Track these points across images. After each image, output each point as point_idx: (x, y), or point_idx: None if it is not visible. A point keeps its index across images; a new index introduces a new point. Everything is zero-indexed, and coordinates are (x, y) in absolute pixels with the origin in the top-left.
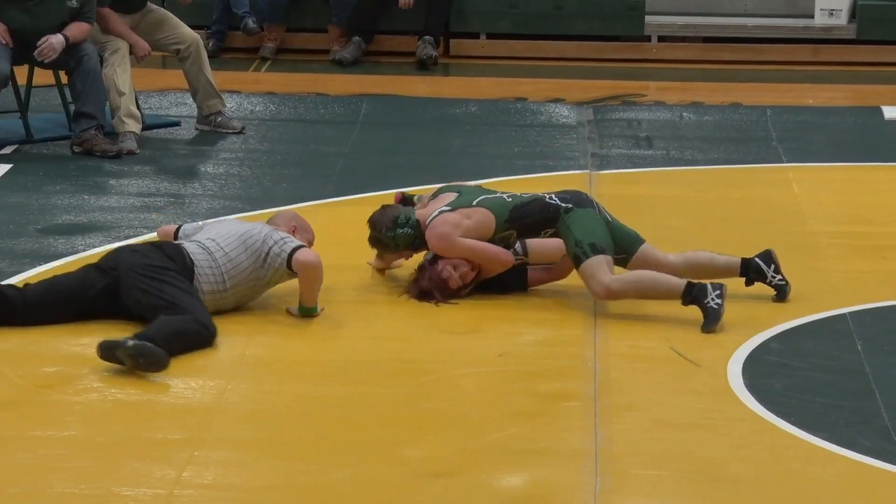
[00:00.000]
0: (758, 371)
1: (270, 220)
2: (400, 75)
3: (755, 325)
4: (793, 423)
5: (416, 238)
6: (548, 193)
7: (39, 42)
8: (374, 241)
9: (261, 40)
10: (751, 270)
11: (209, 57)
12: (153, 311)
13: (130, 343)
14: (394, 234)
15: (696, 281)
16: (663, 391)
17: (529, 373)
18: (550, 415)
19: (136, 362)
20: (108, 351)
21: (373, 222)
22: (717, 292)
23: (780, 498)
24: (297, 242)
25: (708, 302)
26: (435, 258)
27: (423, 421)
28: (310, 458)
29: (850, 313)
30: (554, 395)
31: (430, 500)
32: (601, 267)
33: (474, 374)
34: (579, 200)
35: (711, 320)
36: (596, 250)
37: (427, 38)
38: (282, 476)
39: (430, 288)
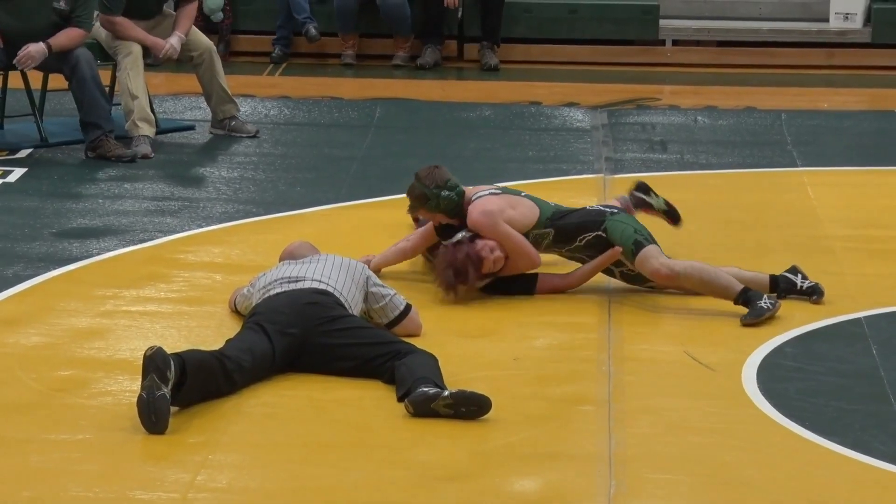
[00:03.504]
0: (772, 375)
1: (292, 253)
2: (415, 79)
3: (770, 329)
4: (807, 428)
5: (458, 206)
6: (587, 206)
7: (20, 51)
8: (418, 194)
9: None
10: (780, 283)
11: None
12: (373, 360)
13: (447, 393)
14: (440, 193)
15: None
16: (677, 395)
17: (543, 376)
18: (564, 418)
19: (456, 411)
20: (422, 405)
21: (421, 176)
22: (772, 301)
23: (794, 502)
24: (405, 299)
25: (760, 302)
26: (473, 237)
27: (436, 425)
28: (323, 461)
29: (864, 317)
30: (568, 399)
31: (442, 503)
32: (660, 253)
33: (488, 378)
34: (624, 210)
35: (755, 314)
36: (652, 240)
37: (485, 43)
38: (295, 479)
39: (465, 263)
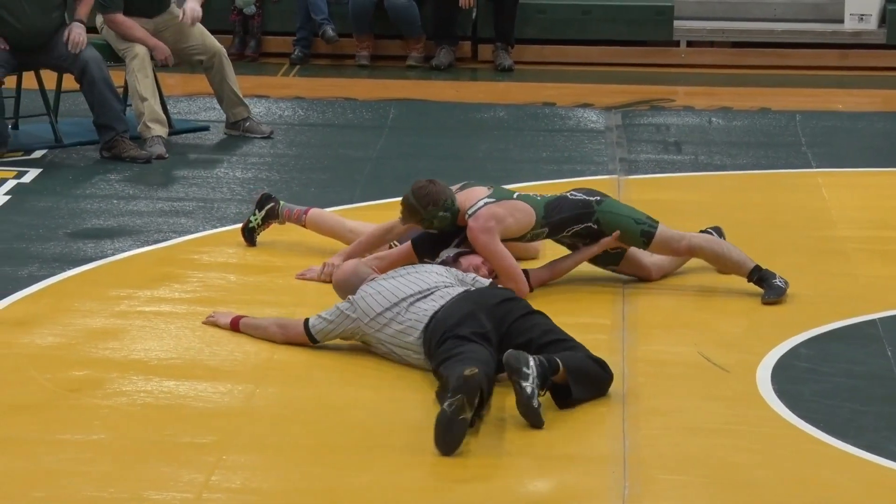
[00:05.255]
0: (786, 377)
1: (360, 277)
2: (429, 80)
3: (784, 330)
4: (821, 429)
5: (452, 224)
6: (567, 192)
7: (68, 41)
8: (411, 209)
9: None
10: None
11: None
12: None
13: (525, 384)
14: (434, 214)
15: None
16: (691, 397)
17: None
18: (578, 419)
19: (517, 404)
20: (510, 369)
21: (418, 195)
22: (784, 280)
23: None
24: (486, 280)
25: (775, 281)
26: (457, 256)
27: None
28: (337, 462)
29: (879, 319)
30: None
31: None
32: (669, 230)
33: (503, 379)
34: (601, 193)
35: (775, 293)
36: (653, 221)
37: (499, 44)
38: (309, 480)
39: None
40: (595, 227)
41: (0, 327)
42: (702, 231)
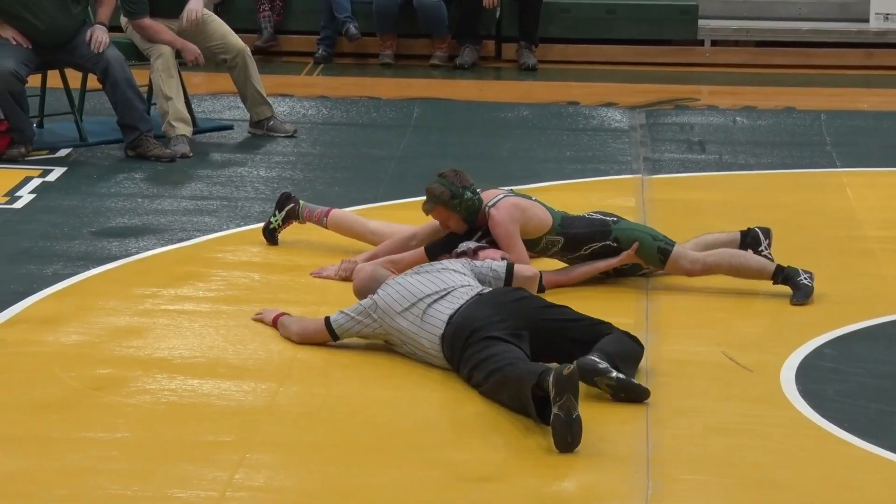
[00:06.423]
0: (810, 377)
1: (377, 279)
2: (452, 79)
3: (808, 330)
4: (845, 429)
5: (476, 212)
6: (585, 213)
7: (92, 41)
8: (441, 192)
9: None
10: (749, 237)
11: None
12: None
13: (614, 375)
14: (465, 195)
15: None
16: (715, 396)
17: None
18: (600, 419)
19: (616, 395)
20: (587, 374)
21: (448, 176)
22: (808, 274)
23: None
24: (502, 263)
25: (800, 280)
26: (477, 249)
27: (470, 425)
28: (358, 461)
29: None
30: (604, 400)
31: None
32: (686, 249)
33: None
34: (618, 215)
35: (804, 294)
36: (669, 240)
37: (523, 43)
38: (330, 479)
39: None
40: (615, 244)
41: (25, 325)
42: (749, 229)
